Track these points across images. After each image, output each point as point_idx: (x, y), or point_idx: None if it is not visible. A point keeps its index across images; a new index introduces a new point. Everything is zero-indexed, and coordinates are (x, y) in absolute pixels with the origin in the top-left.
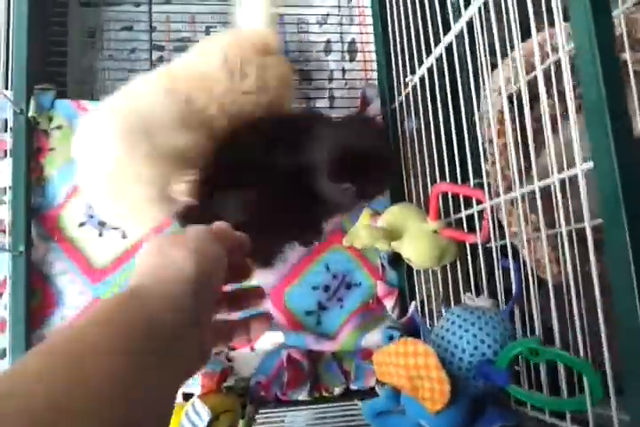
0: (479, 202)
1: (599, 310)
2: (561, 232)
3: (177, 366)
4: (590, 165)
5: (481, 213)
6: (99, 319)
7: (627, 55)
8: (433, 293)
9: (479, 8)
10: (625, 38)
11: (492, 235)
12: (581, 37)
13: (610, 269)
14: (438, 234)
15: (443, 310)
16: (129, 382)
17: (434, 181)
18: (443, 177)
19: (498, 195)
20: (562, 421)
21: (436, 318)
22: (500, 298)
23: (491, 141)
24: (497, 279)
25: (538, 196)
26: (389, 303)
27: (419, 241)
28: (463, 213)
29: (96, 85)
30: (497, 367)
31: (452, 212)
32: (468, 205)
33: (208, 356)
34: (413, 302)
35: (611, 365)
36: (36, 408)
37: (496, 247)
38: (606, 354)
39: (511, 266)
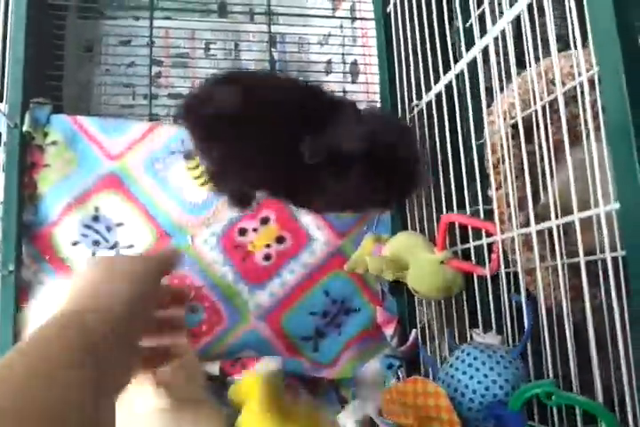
0: (489, 234)
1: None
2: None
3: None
4: (616, 206)
5: (490, 244)
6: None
7: None
8: (435, 320)
9: (494, 38)
10: None
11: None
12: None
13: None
14: (445, 265)
15: (447, 345)
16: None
17: (436, 207)
18: (447, 203)
19: (502, 222)
20: None
21: (437, 346)
22: (506, 332)
23: (495, 167)
24: (505, 315)
25: (555, 234)
26: (389, 331)
27: (425, 272)
28: (471, 244)
29: (92, 101)
30: (510, 410)
31: (458, 242)
32: (477, 236)
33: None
34: (414, 331)
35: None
36: None
37: (500, 280)
38: (627, 393)
39: (523, 302)
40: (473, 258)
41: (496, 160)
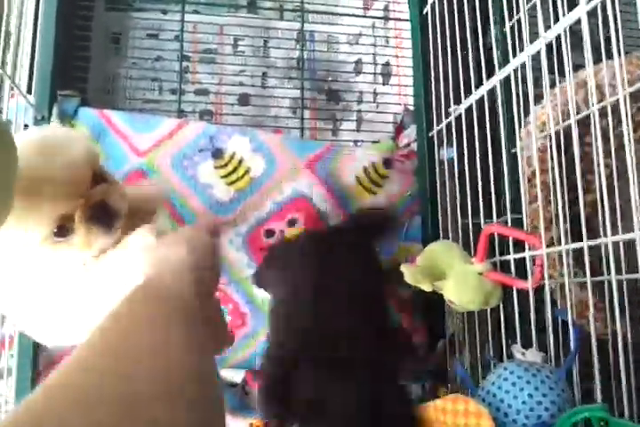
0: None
1: None
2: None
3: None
4: None
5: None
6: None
7: None
8: (465, 330)
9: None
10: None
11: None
12: None
13: None
14: (484, 276)
15: (488, 360)
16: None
17: (470, 215)
18: (477, 211)
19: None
20: None
21: (467, 357)
22: (549, 351)
23: (530, 180)
24: (547, 331)
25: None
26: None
27: (463, 283)
28: (511, 257)
29: (118, 94)
30: None
31: (497, 253)
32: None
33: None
34: (442, 340)
35: None
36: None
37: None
38: None
39: (569, 318)
40: (513, 271)
41: (536, 172)
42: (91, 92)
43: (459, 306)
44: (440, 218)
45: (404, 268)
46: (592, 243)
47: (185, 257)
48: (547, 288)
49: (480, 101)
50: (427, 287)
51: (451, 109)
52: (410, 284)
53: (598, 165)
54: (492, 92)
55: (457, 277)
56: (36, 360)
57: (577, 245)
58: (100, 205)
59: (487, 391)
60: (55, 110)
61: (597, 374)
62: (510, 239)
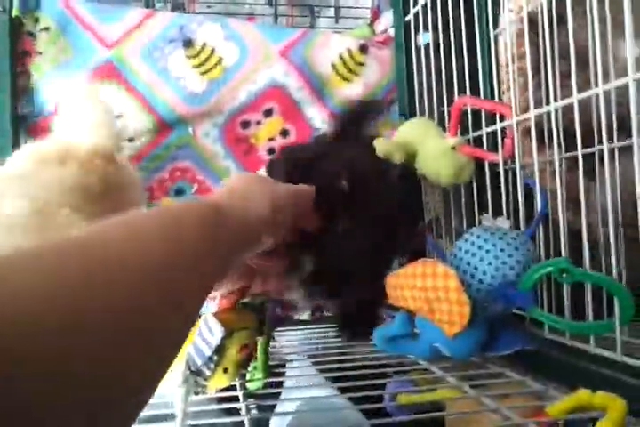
0: (502, 118)
1: None
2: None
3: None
4: None
5: (503, 130)
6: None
7: None
8: (442, 215)
9: None
10: None
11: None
12: None
13: None
14: (456, 151)
15: (454, 230)
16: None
17: (447, 98)
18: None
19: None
20: (584, 344)
21: (446, 238)
22: (511, 217)
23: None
24: (519, 199)
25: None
26: None
27: (436, 157)
28: (484, 131)
29: None
30: (521, 289)
31: (470, 130)
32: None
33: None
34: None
35: None
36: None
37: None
38: None
39: (537, 186)
40: (485, 146)
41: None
42: None
43: (432, 180)
44: (417, 105)
45: (377, 142)
46: (584, 95)
47: (267, 193)
48: (517, 157)
49: None
50: (398, 159)
51: None
52: None
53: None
54: None
55: (429, 151)
56: None
57: (549, 107)
58: None
59: (454, 256)
60: (16, 1)
61: (564, 230)
62: (483, 116)
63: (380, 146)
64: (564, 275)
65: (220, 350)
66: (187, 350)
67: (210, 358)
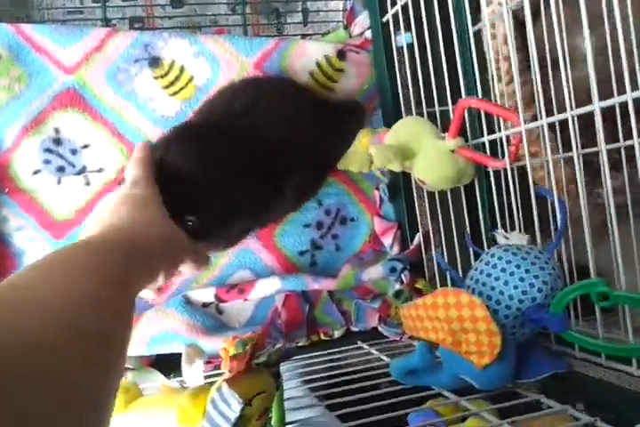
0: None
1: None
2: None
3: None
4: None
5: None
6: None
7: None
8: (442, 224)
9: None
10: None
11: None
12: None
13: None
14: (456, 153)
15: (471, 250)
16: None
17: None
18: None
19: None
20: (625, 365)
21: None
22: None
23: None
24: (532, 211)
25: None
26: (387, 240)
27: (434, 160)
28: (485, 139)
29: (31, 6)
30: (552, 313)
31: (469, 138)
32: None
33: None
34: (418, 234)
35: None
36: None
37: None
38: None
39: (555, 197)
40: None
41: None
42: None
43: (429, 185)
44: (403, 108)
45: (373, 148)
46: (579, 112)
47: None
48: (528, 166)
49: None
50: (397, 167)
51: None
52: None
53: None
54: None
55: (427, 154)
56: None
57: (560, 116)
58: None
59: (476, 281)
60: None
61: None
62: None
63: (378, 152)
64: (604, 299)
65: (239, 422)
66: (202, 424)
67: None
